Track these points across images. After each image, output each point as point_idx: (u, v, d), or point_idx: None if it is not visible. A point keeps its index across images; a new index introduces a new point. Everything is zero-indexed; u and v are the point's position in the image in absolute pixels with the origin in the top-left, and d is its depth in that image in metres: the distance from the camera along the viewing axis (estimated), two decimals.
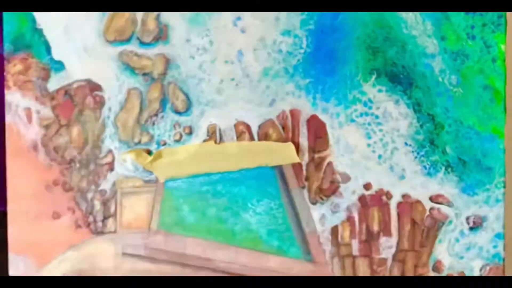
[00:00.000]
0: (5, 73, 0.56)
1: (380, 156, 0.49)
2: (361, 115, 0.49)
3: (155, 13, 0.53)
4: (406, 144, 0.49)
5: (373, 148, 0.49)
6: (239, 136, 0.52)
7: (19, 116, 0.56)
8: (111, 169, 0.54)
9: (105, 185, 0.55)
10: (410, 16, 0.48)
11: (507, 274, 0.49)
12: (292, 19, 0.50)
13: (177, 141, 0.53)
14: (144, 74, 0.54)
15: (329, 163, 0.50)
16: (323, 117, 0.50)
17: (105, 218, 0.55)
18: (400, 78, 0.49)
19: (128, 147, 0.54)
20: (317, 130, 0.50)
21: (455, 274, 0.48)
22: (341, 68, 0.50)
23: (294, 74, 0.50)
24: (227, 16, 0.51)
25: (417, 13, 0.48)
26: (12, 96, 0.56)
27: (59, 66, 0.55)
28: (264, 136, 0.51)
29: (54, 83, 0.55)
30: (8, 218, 0.57)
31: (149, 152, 0.53)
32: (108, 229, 0.55)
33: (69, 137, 0.55)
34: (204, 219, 0.52)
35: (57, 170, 0.55)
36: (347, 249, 0.50)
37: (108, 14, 0.54)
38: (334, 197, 0.50)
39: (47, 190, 0.56)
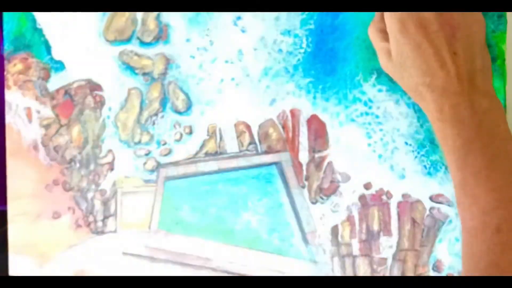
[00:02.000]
0: (5, 73, 0.56)
1: (380, 156, 0.49)
2: (361, 114, 0.49)
3: (155, 13, 0.53)
4: (406, 143, 0.49)
5: (373, 148, 0.49)
6: (239, 136, 0.52)
7: (19, 116, 0.56)
8: (111, 168, 0.54)
9: (105, 185, 0.55)
10: None
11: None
12: (292, 19, 0.50)
13: (177, 140, 0.53)
14: (144, 74, 0.54)
15: (329, 163, 0.50)
16: (323, 116, 0.50)
17: (105, 218, 0.55)
18: None
19: (128, 147, 0.54)
20: (317, 130, 0.50)
21: (455, 274, 0.48)
22: (341, 67, 0.50)
23: (294, 73, 0.50)
24: (227, 16, 0.51)
25: None
26: (12, 96, 0.56)
27: (59, 65, 0.55)
28: (264, 136, 0.51)
29: (54, 82, 0.55)
30: (8, 218, 0.56)
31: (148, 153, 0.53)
32: (109, 228, 0.55)
33: (69, 137, 0.55)
34: (204, 219, 0.52)
35: (57, 170, 0.55)
36: (347, 248, 0.50)
37: (108, 14, 0.54)
38: (334, 197, 0.50)
39: (47, 189, 0.56)
